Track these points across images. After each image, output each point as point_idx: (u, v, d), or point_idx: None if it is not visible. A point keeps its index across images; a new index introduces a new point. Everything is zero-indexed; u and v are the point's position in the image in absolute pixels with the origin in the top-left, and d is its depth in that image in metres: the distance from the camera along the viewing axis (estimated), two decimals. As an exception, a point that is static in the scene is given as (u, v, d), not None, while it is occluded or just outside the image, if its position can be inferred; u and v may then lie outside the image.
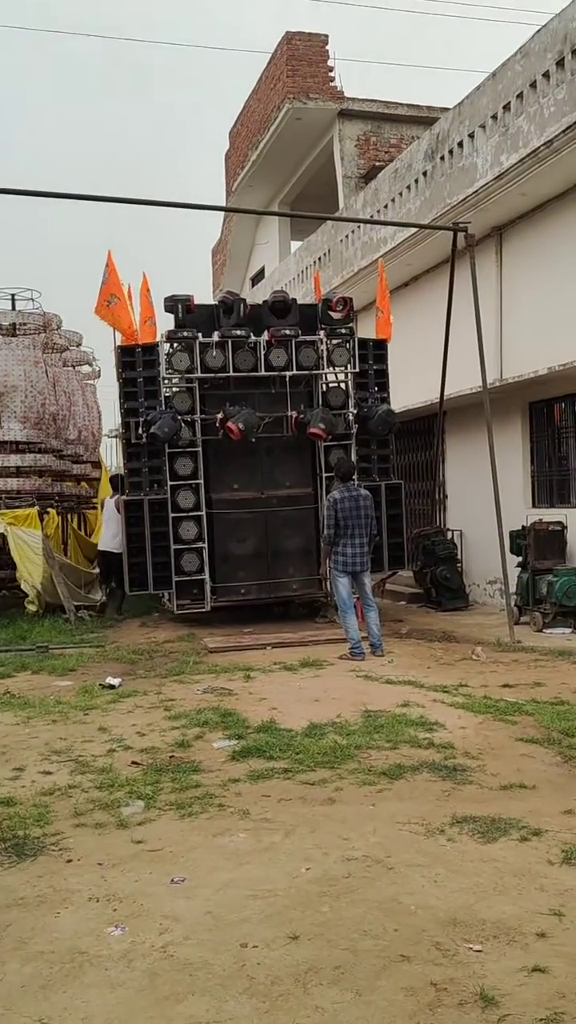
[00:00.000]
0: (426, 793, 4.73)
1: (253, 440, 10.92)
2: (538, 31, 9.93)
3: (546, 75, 9.76)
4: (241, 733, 5.93)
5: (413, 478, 14.60)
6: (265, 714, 6.42)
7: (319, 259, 16.86)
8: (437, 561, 12.54)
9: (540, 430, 12.13)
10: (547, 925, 3.31)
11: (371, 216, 14.13)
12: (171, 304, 11.01)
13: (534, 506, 11.96)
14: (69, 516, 15.12)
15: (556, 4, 10.08)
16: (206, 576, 10.92)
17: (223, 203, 23.74)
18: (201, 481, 10.92)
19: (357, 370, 11.54)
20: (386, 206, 13.75)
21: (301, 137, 19.04)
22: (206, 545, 10.93)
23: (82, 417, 15.29)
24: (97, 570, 14.02)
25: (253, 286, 23.89)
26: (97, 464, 16.37)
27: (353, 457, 11.23)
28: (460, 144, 11.51)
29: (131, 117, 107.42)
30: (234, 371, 10.98)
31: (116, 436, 18.67)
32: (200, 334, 10.94)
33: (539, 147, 9.78)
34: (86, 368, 16.82)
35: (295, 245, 20.97)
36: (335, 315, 11.33)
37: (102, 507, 13.21)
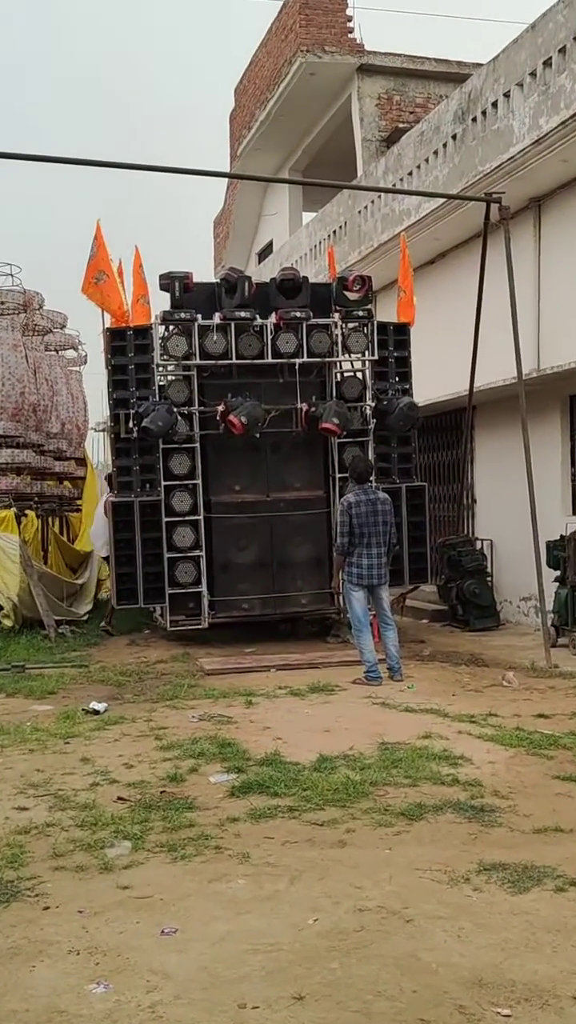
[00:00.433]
0: (450, 836, 4.73)
1: (258, 436, 10.94)
2: (583, -22, 9.93)
3: (592, 27, 9.76)
4: (241, 766, 5.93)
5: (438, 480, 14.59)
6: (268, 745, 6.42)
7: (334, 232, 16.89)
8: (464, 574, 12.52)
9: (582, 427, 12.12)
10: (585, 987, 3.31)
11: (393, 184, 14.14)
12: (167, 282, 11.04)
13: (574, 513, 11.94)
14: (50, 519, 15.16)
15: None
16: (203, 588, 10.93)
17: (226, 168, 23.80)
18: (199, 481, 10.94)
19: (376, 358, 11.55)
20: (410, 173, 13.76)
21: (315, 95, 19.07)
22: (204, 553, 10.95)
23: (66, 408, 15.36)
24: (81, 581, 14.05)
25: (259, 262, 23.94)
26: (82, 461, 16.43)
27: (370, 456, 11.23)
28: (494, 104, 11.52)
29: (124, 68, 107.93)
30: (237, 358, 11.01)
31: (104, 430, 18.74)
32: (199, 316, 10.97)
33: (583, 108, 9.78)
34: (71, 353, 16.90)
35: (307, 216, 21.00)
36: (351, 295, 11.34)
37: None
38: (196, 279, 11.26)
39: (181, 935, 3.77)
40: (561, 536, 11.05)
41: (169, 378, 11.35)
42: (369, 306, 11.69)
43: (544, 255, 11.77)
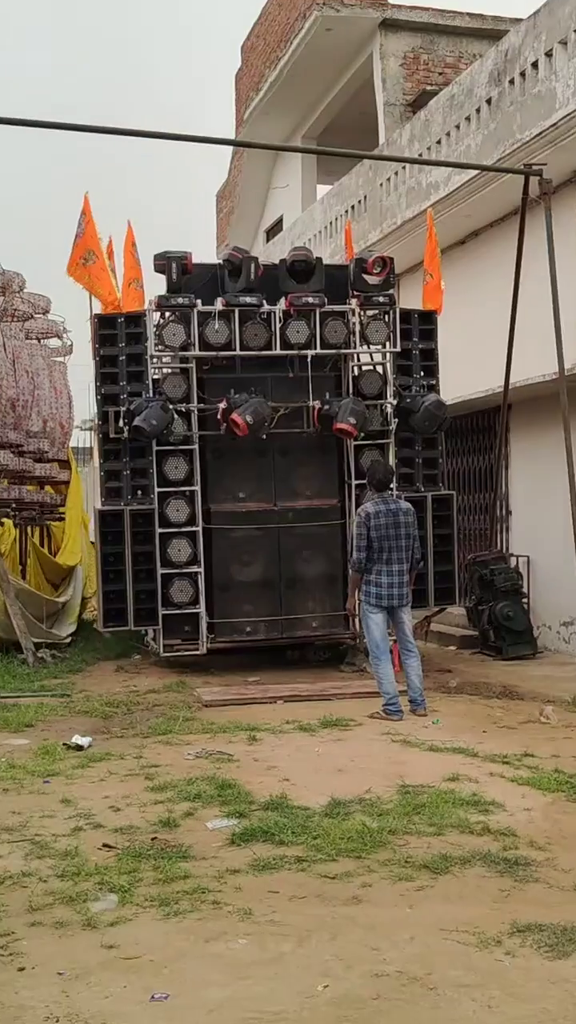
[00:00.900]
0: (479, 893, 4.72)
1: (264, 437, 10.97)
2: None
3: None
4: (243, 811, 5.93)
5: (467, 488, 14.58)
6: (274, 787, 6.43)
7: (352, 208, 16.94)
8: (497, 595, 12.50)
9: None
10: (632, 1066, 3.30)
11: (419, 154, 14.18)
12: (163, 263, 11.09)
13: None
14: (29, 529, 15.21)
15: None
16: (201, 609, 10.94)
17: (231, 135, 23.91)
18: (197, 488, 10.97)
19: (398, 349, 11.57)
20: (439, 142, 13.80)
21: (332, 53, 19.15)
22: (202, 570, 10.97)
23: (48, 404, 15.38)
24: (63, 599, 14.09)
25: (268, 241, 24.01)
26: (66, 464, 16.47)
27: (391, 460, 11.25)
28: (534, 65, 11.56)
29: (117, 24, 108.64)
30: (241, 349, 11.04)
31: (90, 429, 18.79)
32: (199, 301, 11.01)
33: None
34: (55, 342, 16.94)
35: (322, 190, 21.06)
36: (371, 279, 11.37)
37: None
38: (196, 260, 11.32)
39: (173, 1001, 3.76)
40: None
41: (165, 371, 11.39)
42: (391, 291, 11.71)
43: (590, 235, 11.78)
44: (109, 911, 4.55)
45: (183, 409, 11.00)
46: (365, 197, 16.44)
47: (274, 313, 11.15)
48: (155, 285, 11.56)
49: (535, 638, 12.72)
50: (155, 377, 11.25)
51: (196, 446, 11.01)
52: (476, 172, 12.41)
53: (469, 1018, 3.60)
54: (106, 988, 3.87)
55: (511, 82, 12.05)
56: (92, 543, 13.26)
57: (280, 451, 11.36)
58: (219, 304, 11.05)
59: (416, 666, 8.95)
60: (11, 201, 78.88)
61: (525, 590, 12.94)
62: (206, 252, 24.11)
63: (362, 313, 11.44)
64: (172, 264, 11.04)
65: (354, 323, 11.42)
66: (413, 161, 14.03)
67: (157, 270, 11.18)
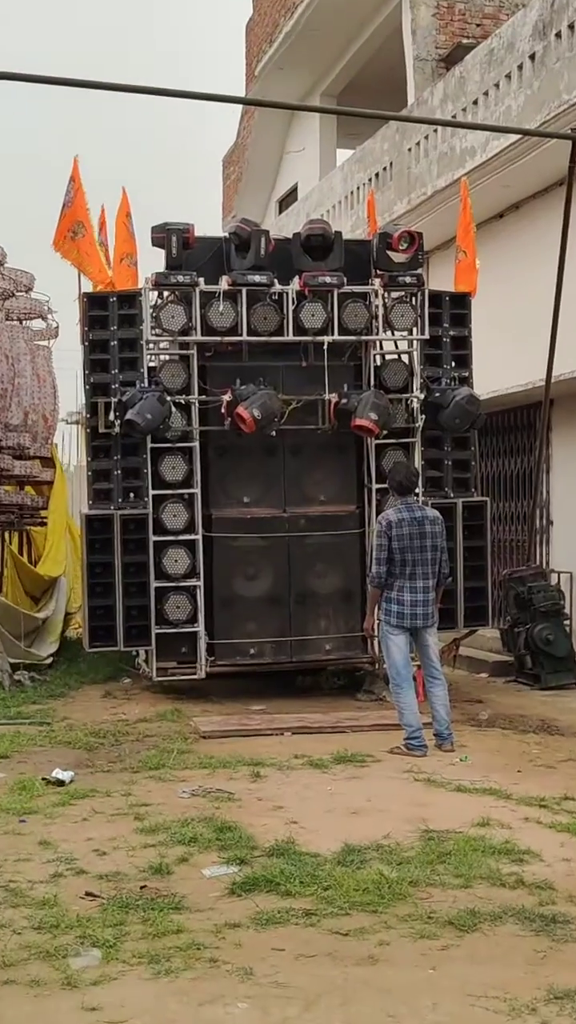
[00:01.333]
0: (511, 953, 4.71)
1: (273, 434, 10.97)
2: None
3: None
4: (245, 857, 5.92)
5: (503, 495, 14.58)
6: (280, 830, 6.42)
7: (376, 176, 16.97)
8: (535, 616, 12.48)
9: None
10: None
11: (453, 116, 14.20)
12: (162, 235, 11.12)
13: None
14: (7, 535, 15.23)
15: None
16: (200, 628, 10.95)
17: (241, 92, 23.97)
18: (197, 491, 10.98)
19: (426, 336, 11.57)
20: (475, 102, 13.82)
21: (356, 0, 19.20)
22: (201, 583, 10.98)
23: (30, 393, 15.43)
24: (44, 614, 14.10)
25: (280, 212, 24.06)
26: (49, 461, 16.51)
27: (417, 462, 11.25)
28: (584, 16, 11.58)
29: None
30: (249, 334, 11.05)
31: (77, 422, 18.82)
32: (202, 280, 11.04)
33: None
34: (38, 324, 16.99)
35: (342, 155, 21.10)
36: (397, 256, 11.37)
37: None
38: (199, 233, 11.34)
39: (163, 1072, 3.78)
40: None
41: (162, 358, 11.41)
42: (419, 270, 11.72)
43: None
44: (92, 968, 4.55)
45: (182, 401, 11.02)
46: (391, 164, 16.46)
47: (286, 294, 11.16)
48: (152, 261, 11.58)
49: (578, 665, 12.70)
50: (151, 365, 11.26)
51: (196, 444, 11.02)
52: (517, 137, 12.43)
53: None
54: (87, 1055, 3.89)
55: (558, 35, 12.06)
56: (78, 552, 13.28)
57: (291, 450, 11.37)
58: (224, 283, 11.06)
59: (443, 695, 8.94)
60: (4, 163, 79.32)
61: (568, 611, 12.92)
62: (211, 225, 24.20)
63: (386, 295, 11.44)
64: (172, 237, 11.05)
65: (377, 306, 11.42)
66: (446, 123, 14.04)
67: (155, 244, 11.19)
